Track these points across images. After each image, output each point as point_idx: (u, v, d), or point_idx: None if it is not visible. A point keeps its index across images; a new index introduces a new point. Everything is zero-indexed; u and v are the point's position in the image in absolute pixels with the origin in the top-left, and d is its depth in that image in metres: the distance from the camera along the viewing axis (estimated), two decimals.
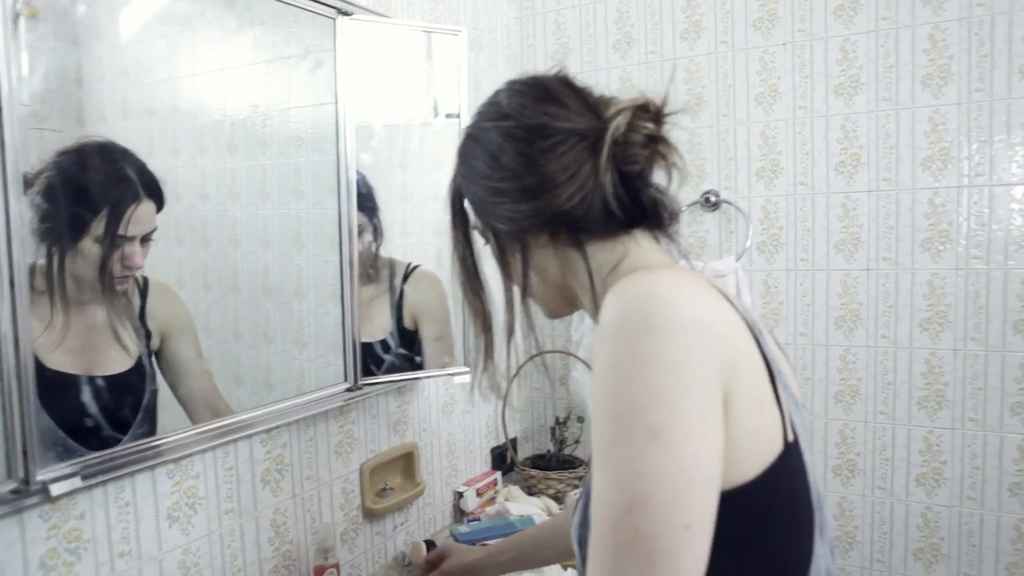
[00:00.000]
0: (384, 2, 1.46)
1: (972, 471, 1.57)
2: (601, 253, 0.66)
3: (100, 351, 0.95)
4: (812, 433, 1.71)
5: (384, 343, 1.44)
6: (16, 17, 0.82)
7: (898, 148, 1.59)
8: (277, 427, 1.22)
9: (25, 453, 0.83)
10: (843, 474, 1.70)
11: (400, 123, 1.49)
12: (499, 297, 0.73)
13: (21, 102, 0.82)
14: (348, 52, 1.32)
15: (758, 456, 0.55)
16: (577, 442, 1.90)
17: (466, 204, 0.73)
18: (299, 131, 1.26)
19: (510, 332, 0.71)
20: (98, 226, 0.91)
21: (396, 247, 1.46)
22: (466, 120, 0.76)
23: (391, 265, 1.46)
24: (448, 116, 1.49)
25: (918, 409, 1.61)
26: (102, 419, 0.93)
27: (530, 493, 1.79)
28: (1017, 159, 1.49)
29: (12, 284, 0.81)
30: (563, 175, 0.63)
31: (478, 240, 0.75)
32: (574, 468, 1.82)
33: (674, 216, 0.68)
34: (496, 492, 1.78)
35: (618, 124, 0.62)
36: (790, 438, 0.57)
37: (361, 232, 1.36)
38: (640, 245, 0.67)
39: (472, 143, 0.71)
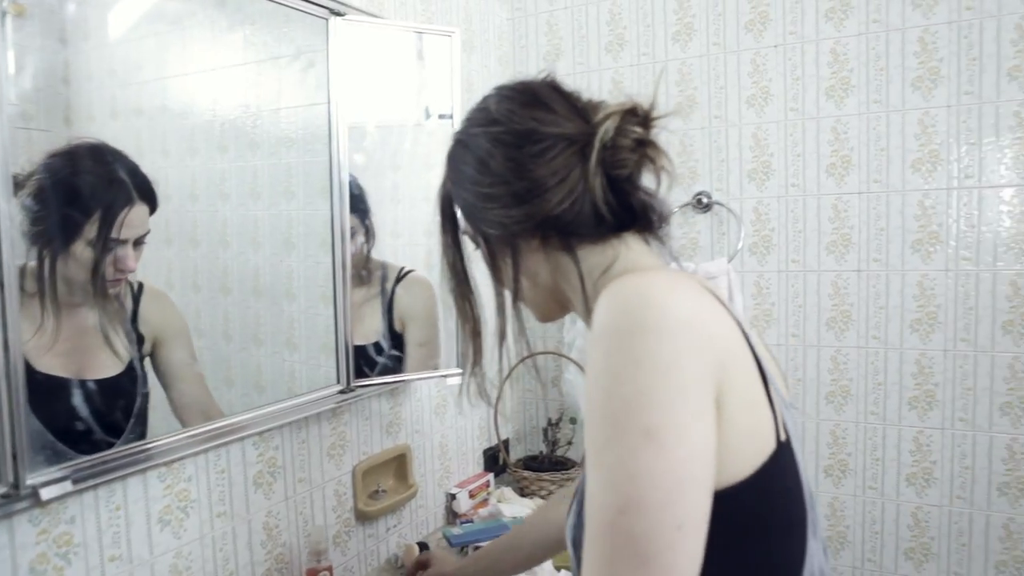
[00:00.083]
0: (377, 3, 1.46)
1: (962, 471, 1.58)
2: (592, 257, 0.67)
3: (91, 354, 0.94)
4: (803, 433, 1.72)
5: (377, 345, 1.43)
6: (3, 15, 0.81)
7: (888, 150, 1.60)
8: (269, 429, 1.21)
9: (15, 457, 0.82)
10: (834, 474, 1.71)
11: (393, 124, 1.49)
12: (490, 301, 0.73)
13: (9, 101, 0.82)
14: (341, 53, 1.32)
15: (751, 456, 0.55)
16: (569, 443, 1.91)
17: (456, 209, 0.73)
18: (290, 132, 1.26)
19: (502, 336, 0.72)
20: (91, 229, 0.90)
21: (387, 248, 1.46)
22: (459, 121, 0.76)
23: (383, 268, 1.45)
24: (441, 117, 1.49)
25: (908, 409, 1.62)
26: (93, 423, 0.93)
27: (523, 494, 1.79)
28: (1006, 161, 1.50)
29: (2, 286, 0.80)
30: (552, 180, 0.64)
31: (468, 245, 0.75)
32: (566, 469, 1.83)
33: (663, 219, 0.69)
34: (489, 494, 1.78)
35: (607, 128, 0.62)
36: (782, 437, 0.58)
37: (353, 234, 1.36)
38: (630, 248, 0.67)
39: (461, 149, 0.71)
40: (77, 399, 0.91)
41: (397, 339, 1.46)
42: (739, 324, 0.59)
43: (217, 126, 1.13)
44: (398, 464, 1.55)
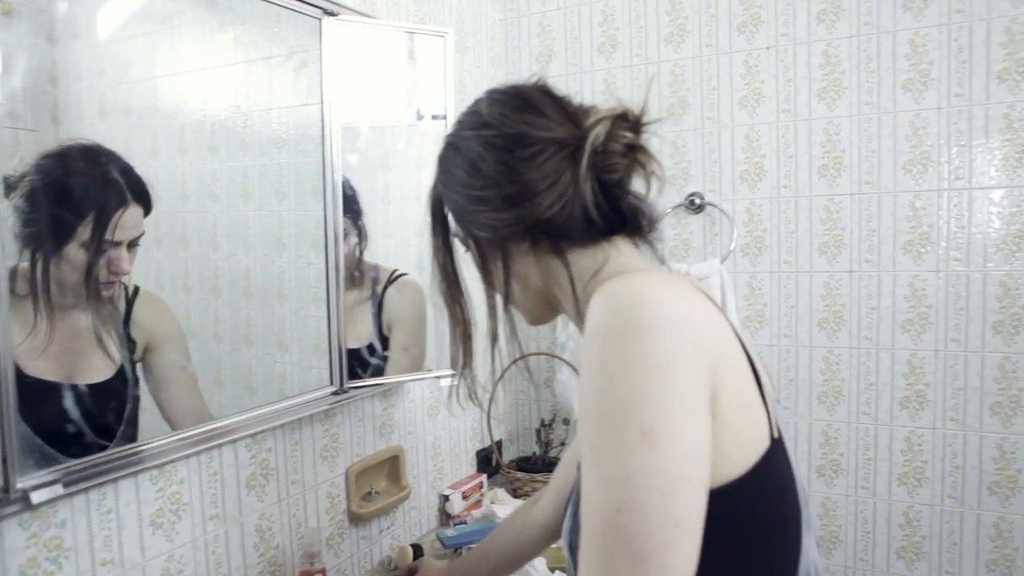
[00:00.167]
0: (369, 3, 1.46)
1: (953, 470, 1.59)
2: (582, 260, 0.67)
3: (83, 357, 0.94)
4: (795, 433, 1.73)
5: (370, 347, 1.43)
6: None
7: (880, 152, 1.60)
8: (262, 431, 1.21)
9: (4, 460, 0.81)
10: (826, 474, 1.71)
11: (386, 124, 1.48)
12: (481, 304, 0.73)
13: None
14: (334, 53, 1.31)
15: (746, 453, 0.56)
16: (562, 444, 1.91)
17: (446, 212, 0.73)
18: (281, 132, 1.25)
19: (493, 338, 0.72)
20: (84, 231, 0.89)
21: (378, 249, 1.45)
22: (452, 122, 0.76)
23: (376, 270, 1.45)
24: (434, 118, 1.49)
25: (900, 409, 1.63)
26: (84, 426, 0.92)
27: (516, 496, 1.79)
28: (995, 163, 1.51)
29: None
30: (543, 183, 0.64)
31: (458, 248, 0.75)
32: None
33: (653, 223, 0.70)
34: (482, 495, 1.78)
35: (597, 133, 0.63)
36: (775, 434, 0.59)
37: (346, 236, 1.35)
38: (620, 252, 0.68)
39: (452, 152, 0.71)
40: (68, 402, 0.91)
41: (386, 342, 1.45)
42: (730, 324, 0.60)
43: (207, 126, 1.12)
44: (391, 466, 1.55)
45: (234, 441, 1.16)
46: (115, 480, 0.97)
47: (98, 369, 0.95)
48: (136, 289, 1.00)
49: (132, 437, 0.99)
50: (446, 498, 1.69)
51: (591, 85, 1.89)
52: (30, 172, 0.84)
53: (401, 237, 1.51)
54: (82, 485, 0.91)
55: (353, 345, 1.39)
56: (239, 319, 1.19)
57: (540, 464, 1.87)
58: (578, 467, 0.69)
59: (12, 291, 0.83)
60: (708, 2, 1.74)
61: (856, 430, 1.68)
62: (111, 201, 0.93)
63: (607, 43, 1.87)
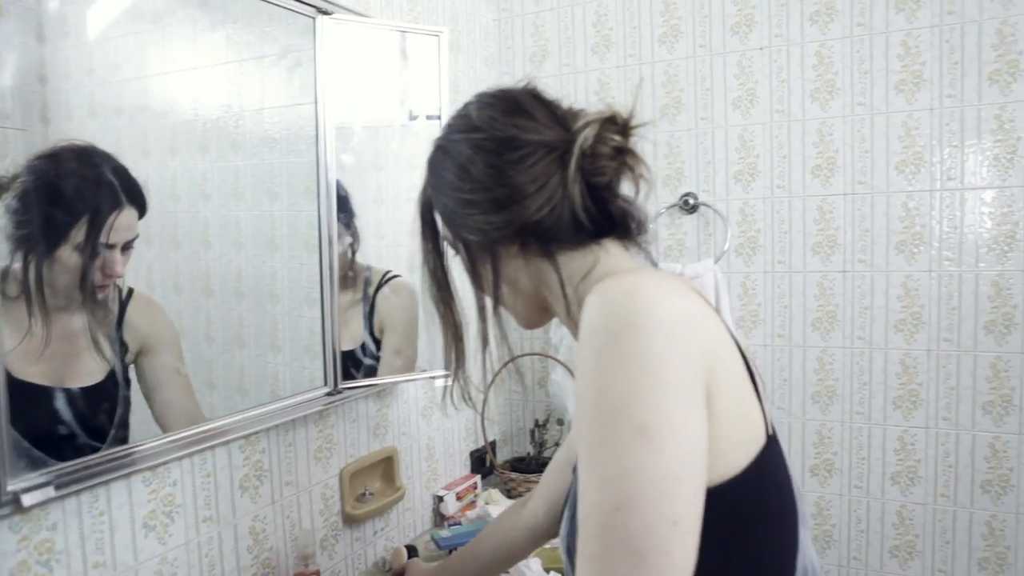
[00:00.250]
0: (363, 2, 1.45)
1: (945, 469, 1.60)
2: (572, 262, 0.67)
3: (75, 360, 0.93)
4: (789, 433, 1.73)
5: (364, 347, 1.42)
6: None
7: (873, 152, 1.61)
8: (256, 432, 1.20)
9: None
10: (820, 474, 1.72)
11: (380, 124, 1.48)
12: (472, 306, 0.73)
13: None
14: (328, 52, 1.31)
15: (743, 450, 0.56)
16: (556, 444, 1.91)
17: (436, 215, 0.73)
18: (273, 132, 1.25)
19: (484, 341, 0.72)
20: (78, 233, 0.89)
21: (370, 249, 1.45)
22: (446, 122, 0.76)
23: (368, 271, 1.44)
24: (429, 118, 1.48)
25: (893, 409, 1.64)
26: (77, 428, 0.91)
27: (510, 496, 1.79)
28: (987, 163, 1.52)
29: None
30: (532, 187, 0.64)
31: (448, 251, 0.75)
32: None
33: (642, 226, 0.70)
34: (476, 496, 1.78)
35: (586, 136, 0.63)
36: (770, 431, 0.59)
37: (339, 236, 1.35)
38: (610, 253, 0.68)
39: (442, 155, 0.71)
40: (59, 404, 0.90)
41: (378, 344, 1.45)
42: (724, 324, 0.60)
43: (199, 126, 1.12)
44: (385, 467, 1.55)
45: (227, 442, 1.15)
46: (107, 482, 0.96)
47: (89, 372, 0.95)
48: (130, 291, 0.99)
49: (124, 439, 0.98)
50: (440, 499, 1.68)
51: (585, 85, 1.89)
52: (23, 173, 0.84)
53: (393, 238, 1.51)
54: (74, 487, 0.90)
55: (347, 346, 1.38)
56: (231, 320, 1.18)
57: (534, 464, 1.87)
58: (574, 469, 0.69)
59: (3, 293, 0.82)
60: (702, 3, 1.74)
61: (849, 429, 1.68)
62: (105, 203, 0.92)
63: (601, 43, 1.87)
